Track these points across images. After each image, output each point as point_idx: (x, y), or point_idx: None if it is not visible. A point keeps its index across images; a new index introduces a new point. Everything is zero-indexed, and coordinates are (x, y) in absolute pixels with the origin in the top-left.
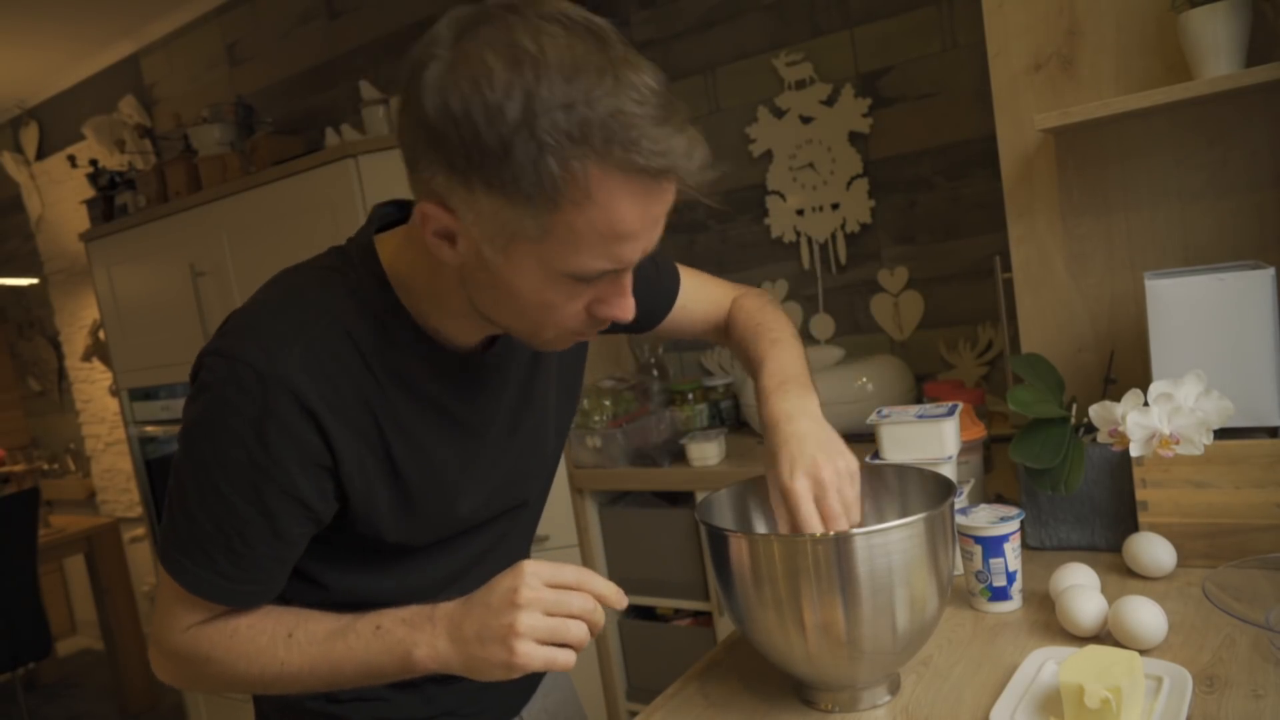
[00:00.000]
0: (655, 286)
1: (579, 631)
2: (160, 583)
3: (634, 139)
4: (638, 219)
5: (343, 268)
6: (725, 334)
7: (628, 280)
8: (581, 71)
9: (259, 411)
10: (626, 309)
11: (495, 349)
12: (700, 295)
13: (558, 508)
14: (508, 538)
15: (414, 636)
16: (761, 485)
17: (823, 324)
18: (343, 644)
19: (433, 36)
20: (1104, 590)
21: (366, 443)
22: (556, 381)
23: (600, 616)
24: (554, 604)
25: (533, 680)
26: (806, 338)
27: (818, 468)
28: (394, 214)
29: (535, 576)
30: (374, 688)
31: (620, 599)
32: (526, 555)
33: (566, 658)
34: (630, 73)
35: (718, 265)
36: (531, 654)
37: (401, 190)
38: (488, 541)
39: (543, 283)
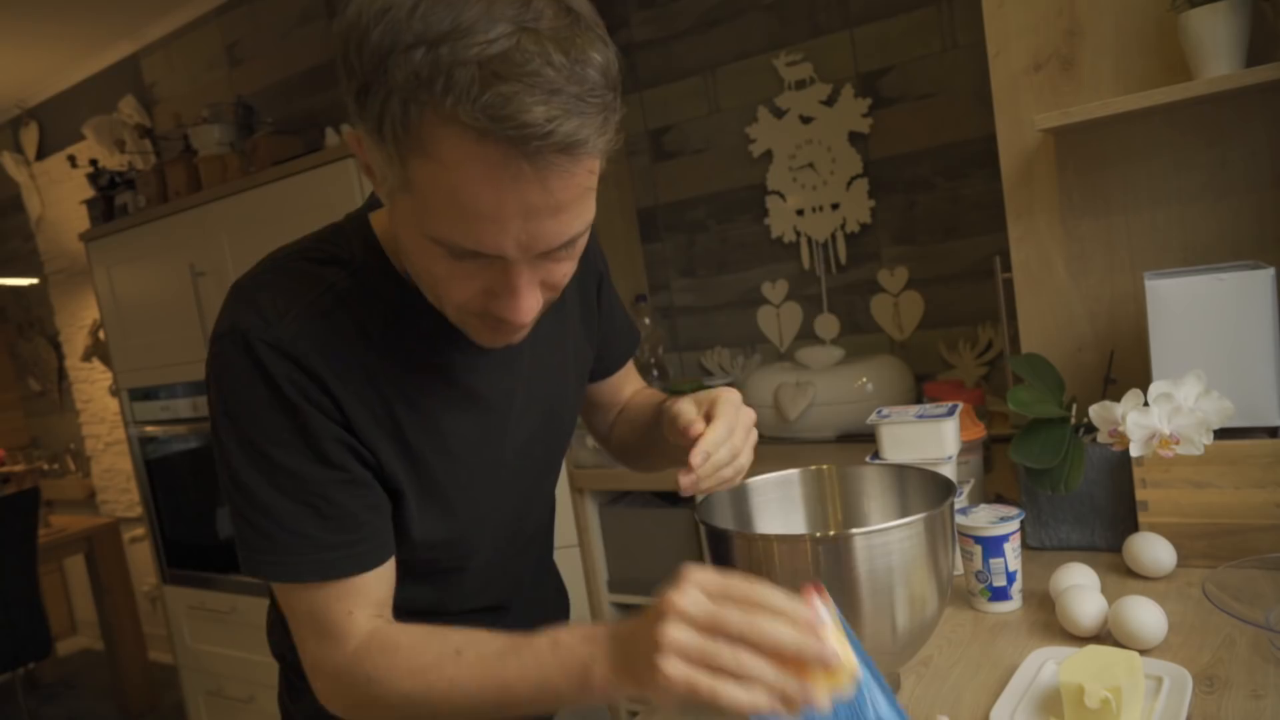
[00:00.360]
0: (614, 342)
1: (743, 661)
2: (286, 607)
3: (478, 95)
4: (491, 196)
5: (335, 239)
6: (620, 411)
7: (519, 278)
8: (466, 7)
9: (273, 376)
10: (515, 310)
11: None
12: (632, 375)
13: (558, 508)
14: (535, 540)
15: (590, 651)
16: (762, 486)
17: (826, 324)
18: (516, 661)
19: None
20: (1104, 590)
21: (373, 413)
22: (574, 380)
23: (779, 638)
24: (710, 619)
25: None
26: (808, 337)
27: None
28: None
29: (695, 584)
30: None
31: (818, 652)
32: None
33: (723, 690)
34: (534, 27)
35: (718, 265)
36: (676, 675)
37: None
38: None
39: (421, 245)
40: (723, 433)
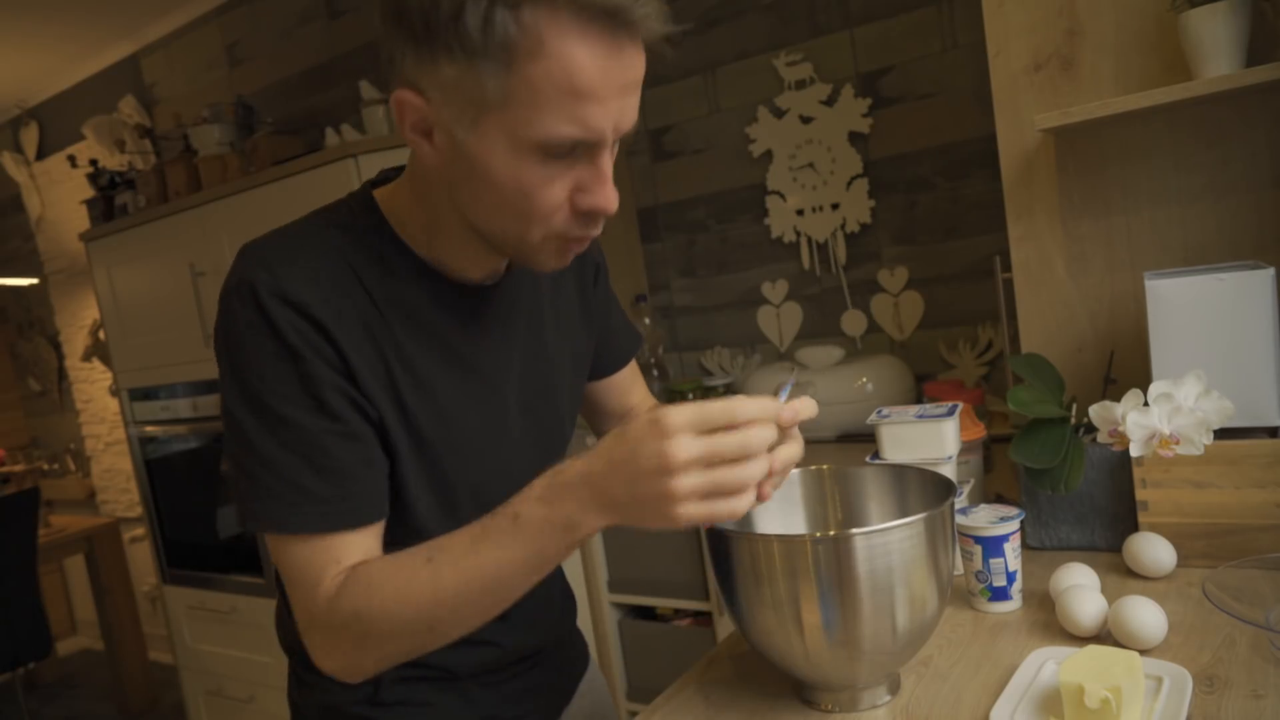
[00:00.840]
0: (617, 340)
1: (746, 473)
2: (278, 562)
3: None
4: (598, 73)
5: (337, 208)
6: (625, 418)
7: (606, 164)
8: None
9: (277, 325)
10: (609, 197)
11: (499, 283)
12: (638, 381)
13: None
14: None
15: (561, 512)
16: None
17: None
18: (491, 549)
19: None
20: (1104, 590)
21: (374, 372)
22: (570, 366)
23: (767, 442)
24: (710, 455)
25: (572, 683)
26: (811, 338)
27: None
28: (394, 176)
29: (682, 431)
30: (415, 692)
31: (791, 413)
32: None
33: (733, 506)
34: None
35: (718, 265)
36: (693, 514)
37: None
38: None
39: (515, 160)
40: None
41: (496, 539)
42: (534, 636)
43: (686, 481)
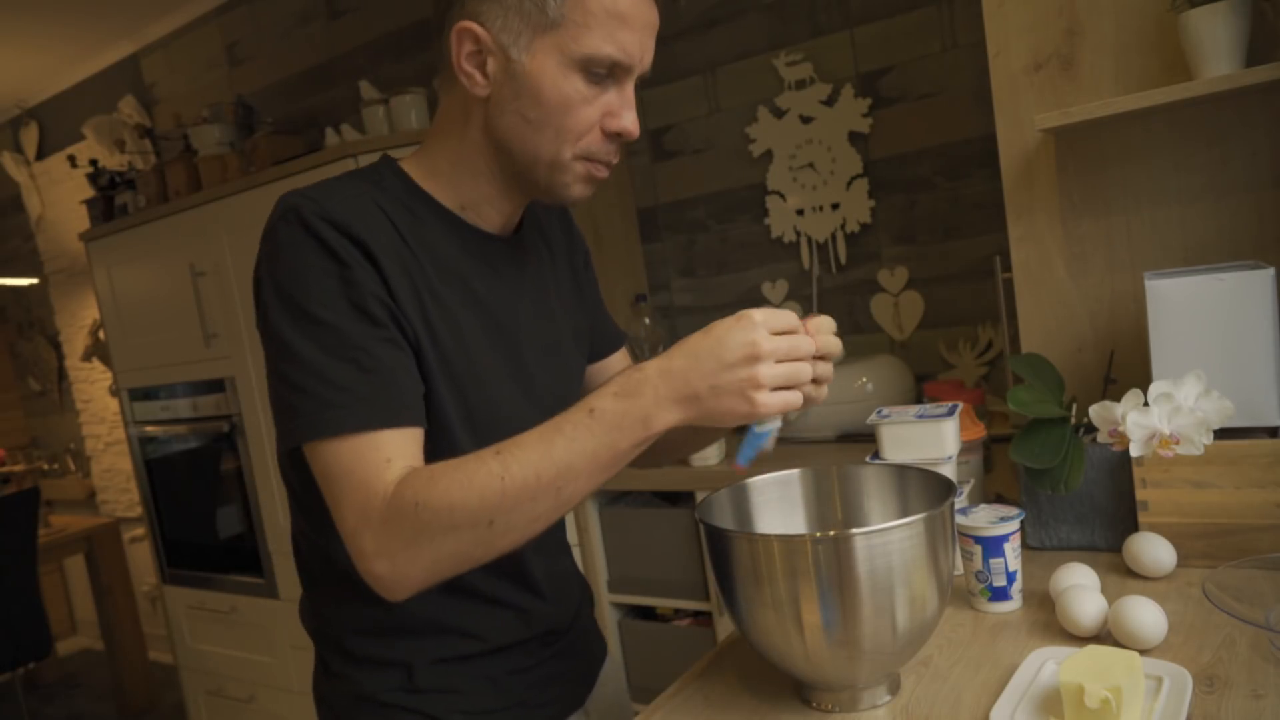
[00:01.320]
0: (608, 326)
1: (808, 373)
2: (327, 477)
3: None
4: (633, 6)
5: (365, 172)
6: None
7: (630, 93)
8: None
9: (324, 239)
10: (634, 121)
11: (518, 232)
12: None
13: None
14: None
15: (638, 406)
16: (762, 486)
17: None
18: (562, 441)
19: None
20: (1104, 590)
21: (408, 298)
22: (571, 334)
23: (813, 348)
24: (787, 351)
25: (593, 672)
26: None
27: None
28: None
29: (765, 326)
30: (448, 679)
31: (836, 342)
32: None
33: (797, 398)
34: None
35: (718, 265)
36: (770, 402)
37: None
38: None
39: (562, 75)
40: (828, 325)
41: (570, 432)
42: (557, 610)
43: (769, 370)
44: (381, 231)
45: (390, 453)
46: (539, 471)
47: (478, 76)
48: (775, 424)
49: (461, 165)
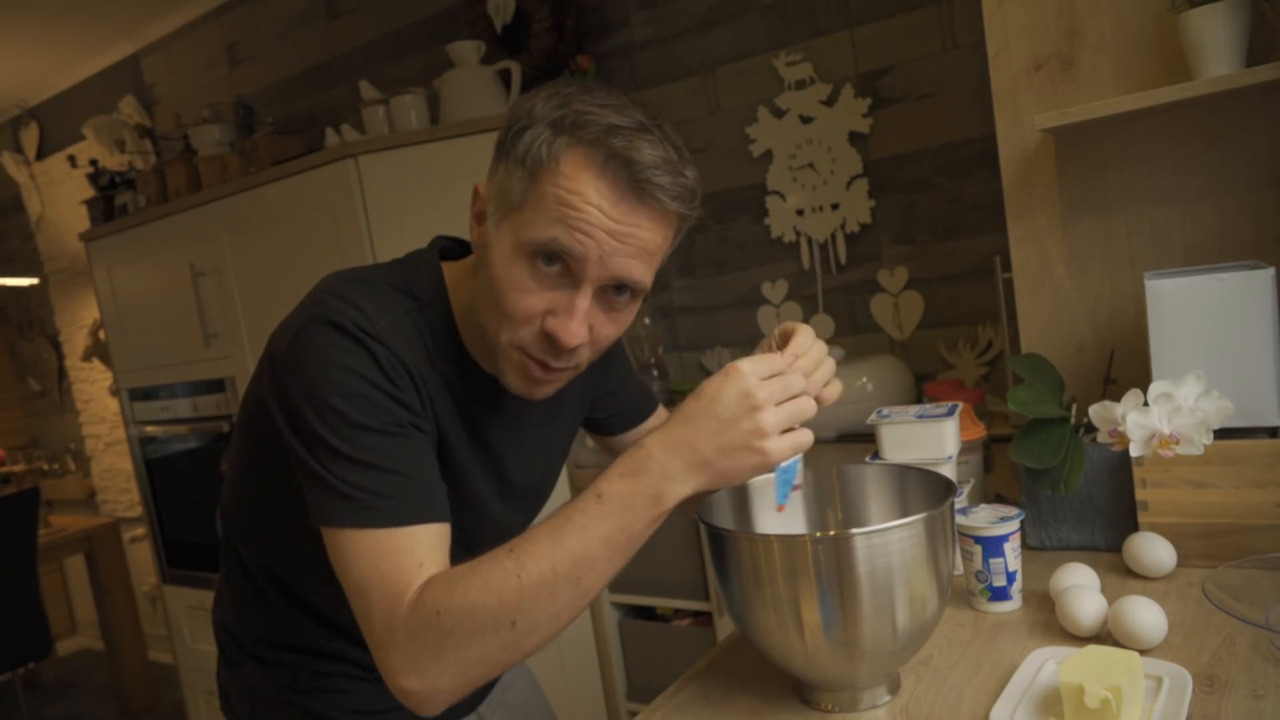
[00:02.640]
0: (638, 399)
1: (810, 408)
2: (354, 575)
3: (606, 129)
4: (596, 207)
5: (410, 272)
6: None
7: (581, 301)
8: (595, 99)
9: (372, 352)
10: (570, 330)
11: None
12: None
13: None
14: None
15: (646, 484)
16: (762, 486)
17: (822, 324)
18: (573, 530)
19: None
20: (1104, 590)
21: (430, 414)
22: (564, 445)
23: (805, 382)
24: (783, 392)
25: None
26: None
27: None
28: (454, 248)
29: (754, 375)
30: (332, 679)
31: (821, 348)
32: None
33: (807, 436)
34: (636, 112)
35: (718, 265)
36: (780, 448)
37: (401, 188)
38: None
39: (510, 258)
40: (807, 339)
41: (580, 520)
42: None
43: (771, 416)
44: (420, 357)
45: (422, 555)
46: (554, 565)
47: (475, 230)
48: (796, 459)
49: (477, 329)
